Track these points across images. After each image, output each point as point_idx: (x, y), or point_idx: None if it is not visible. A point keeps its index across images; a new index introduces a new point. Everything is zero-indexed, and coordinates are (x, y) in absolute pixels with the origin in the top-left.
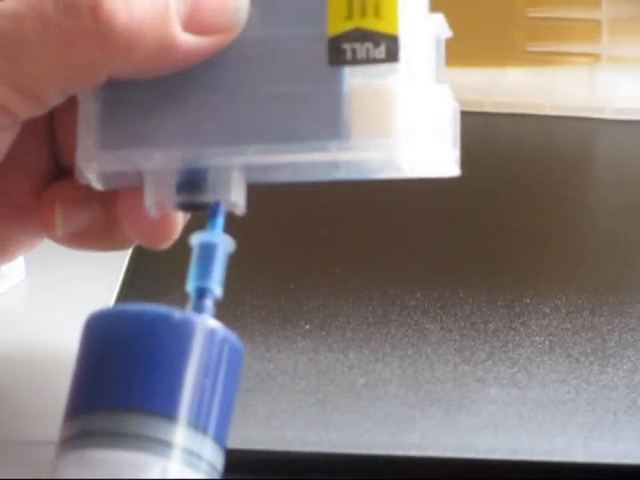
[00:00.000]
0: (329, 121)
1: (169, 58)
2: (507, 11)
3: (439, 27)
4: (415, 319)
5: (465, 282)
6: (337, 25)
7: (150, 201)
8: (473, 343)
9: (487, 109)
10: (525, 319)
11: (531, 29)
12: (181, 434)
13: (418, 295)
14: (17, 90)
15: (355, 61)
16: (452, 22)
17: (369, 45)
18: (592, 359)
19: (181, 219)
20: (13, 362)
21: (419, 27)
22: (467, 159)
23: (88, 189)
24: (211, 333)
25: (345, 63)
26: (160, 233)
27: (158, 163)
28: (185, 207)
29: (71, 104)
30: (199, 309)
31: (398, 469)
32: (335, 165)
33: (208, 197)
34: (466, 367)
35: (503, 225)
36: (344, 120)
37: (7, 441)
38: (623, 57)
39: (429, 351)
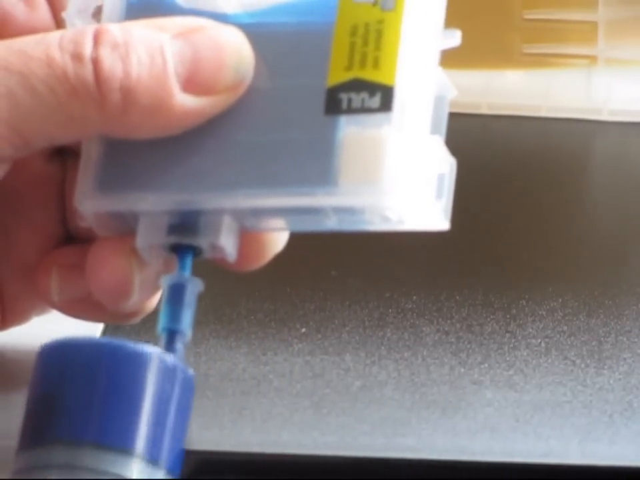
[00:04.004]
0: (319, 167)
1: (166, 119)
2: (503, 13)
3: (443, 84)
4: (411, 321)
5: (461, 284)
6: (337, 75)
7: (142, 242)
8: (469, 346)
9: (483, 110)
10: (521, 321)
11: (527, 30)
12: (136, 467)
13: (414, 297)
14: (9, 127)
15: (350, 110)
16: (449, 24)
17: (364, 94)
18: (588, 362)
19: (137, 278)
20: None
21: (418, 80)
22: (463, 160)
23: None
24: (163, 364)
25: (341, 112)
26: (118, 290)
27: (151, 205)
28: (175, 249)
29: None
30: (169, 351)
31: (394, 471)
32: (324, 211)
33: (199, 240)
34: (462, 370)
35: (499, 226)
36: (334, 166)
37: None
38: (619, 59)
39: (424, 353)
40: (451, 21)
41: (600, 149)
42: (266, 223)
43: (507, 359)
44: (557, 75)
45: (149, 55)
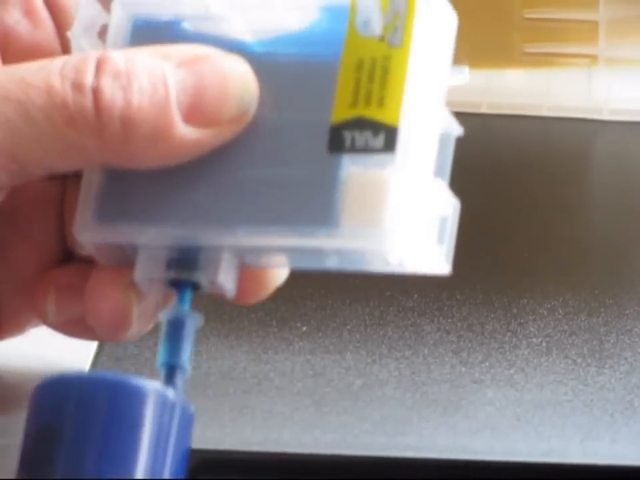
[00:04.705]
0: (321, 207)
1: (166, 150)
2: (504, 12)
3: (449, 122)
4: (412, 320)
5: (462, 283)
6: (341, 112)
7: (140, 275)
8: (470, 345)
9: (484, 110)
10: (522, 320)
11: (528, 30)
12: None
13: (415, 296)
14: (6, 155)
15: (353, 149)
16: None
17: (368, 134)
18: (589, 361)
19: (135, 310)
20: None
21: (423, 120)
22: (463, 160)
23: (88, 276)
24: (162, 399)
25: (344, 150)
26: (116, 324)
27: (151, 239)
28: (174, 284)
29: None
30: (168, 386)
31: (395, 470)
32: (324, 252)
33: (198, 276)
34: (463, 369)
35: (500, 225)
36: (336, 207)
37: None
38: (620, 58)
39: (425, 352)
40: None
41: (600, 148)
42: (266, 260)
43: (508, 357)
44: (558, 74)
45: (151, 84)
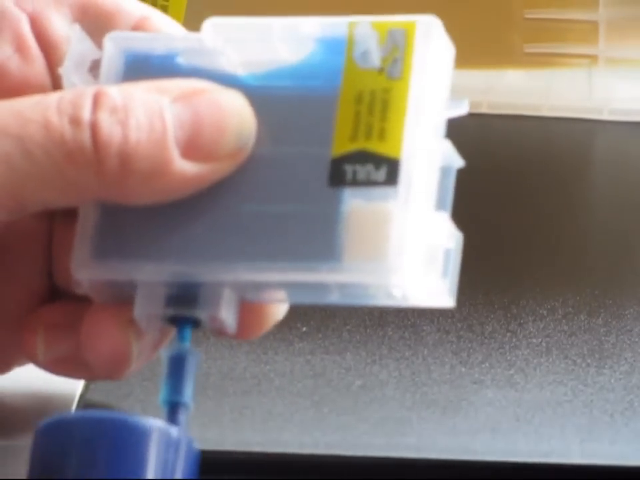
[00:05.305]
0: (323, 242)
1: (164, 186)
2: (504, 12)
3: (449, 154)
4: (412, 320)
5: (462, 283)
6: (341, 145)
7: (139, 312)
8: (469, 345)
9: (484, 110)
10: (522, 320)
11: (528, 30)
12: None
13: None
14: (4, 191)
15: (355, 183)
16: (450, 23)
17: (370, 167)
18: (589, 361)
19: (135, 349)
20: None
21: (425, 153)
22: (464, 159)
23: (76, 314)
24: (167, 437)
25: (345, 184)
26: (116, 363)
27: (149, 275)
28: (173, 320)
29: (71, 224)
30: (172, 424)
31: (395, 471)
32: (327, 287)
33: (198, 312)
34: (463, 369)
35: (500, 226)
36: (338, 241)
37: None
38: (620, 59)
39: (425, 352)
40: (452, 20)
41: (600, 148)
42: (267, 295)
43: (508, 358)
44: (558, 74)
45: (149, 119)
